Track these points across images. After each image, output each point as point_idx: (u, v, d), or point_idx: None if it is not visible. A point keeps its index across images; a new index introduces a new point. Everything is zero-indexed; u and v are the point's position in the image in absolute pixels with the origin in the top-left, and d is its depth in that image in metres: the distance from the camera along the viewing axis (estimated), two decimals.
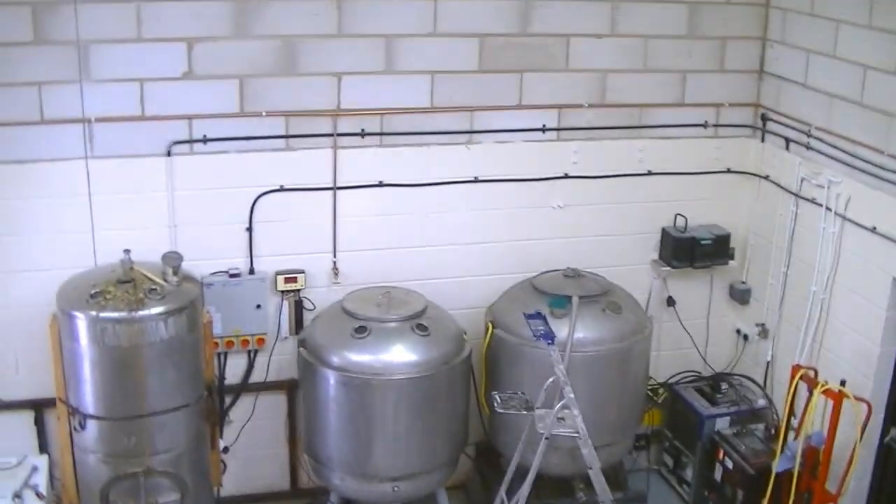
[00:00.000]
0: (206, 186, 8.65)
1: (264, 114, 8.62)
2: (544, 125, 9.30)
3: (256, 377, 9.25)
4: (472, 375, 8.89)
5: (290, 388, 9.29)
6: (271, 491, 9.69)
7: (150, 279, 7.77)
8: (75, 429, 7.88)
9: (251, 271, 8.90)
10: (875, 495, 8.84)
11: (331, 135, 8.80)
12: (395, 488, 8.43)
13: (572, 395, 7.70)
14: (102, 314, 7.48)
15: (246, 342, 9.03)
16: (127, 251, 7.84)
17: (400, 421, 8.20)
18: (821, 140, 8.97)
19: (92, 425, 7.79)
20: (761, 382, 9.91)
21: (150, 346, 7.61)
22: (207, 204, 8.69)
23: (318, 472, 8.80)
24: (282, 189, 8.80)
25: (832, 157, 8.81)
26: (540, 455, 7.80)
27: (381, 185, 9.01)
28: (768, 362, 9.83)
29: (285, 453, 9.59)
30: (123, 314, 7.49)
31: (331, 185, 8.89)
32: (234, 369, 9.19)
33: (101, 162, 8.32)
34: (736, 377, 10.19)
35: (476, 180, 9.23)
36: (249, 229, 8.81)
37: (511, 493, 8.34)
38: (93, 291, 7.59)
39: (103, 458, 7.84)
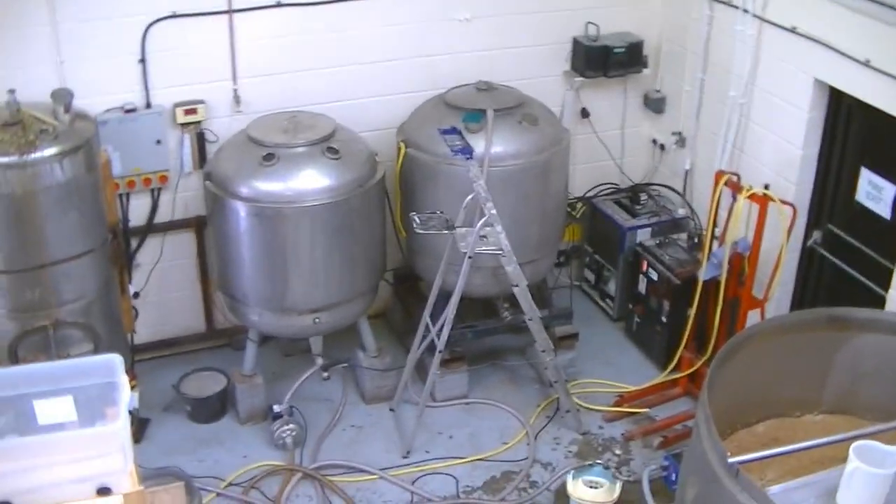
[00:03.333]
0: (93, 17, 8.10)
1: None
2: None
3: (162, 217, 8.90)
4: (388, 198, 8.65)
5: (198, 225, 8.98)
6: (187, 334, 9.47)
7: (39, 120, 7.29)
8: None
9: (147, 105, 8.47)
10: (798, 299, 8.88)
11: None
12: (316, 320, 8.23)
13: (494, 212, 7.56)
14: None
15: (148, 181, 8.65)
16: (11, 91, 7.31)
17: (316, 250, 7.96)
18: None
19: None
20: (680, 191, 9.78)
21: (46, 191, 7.21)
22: (95, 36, 8.16)
23: (234, 311, 8.58)
24: (174, 15, 8.29)
25: None
26: (464, 276, 7.73)
27: (279, 5, 8.54)
28: (687, 171, 9.69)
29: (198, 294, 9.34)
30: (14, 158, 7.05)
31: (226, 9, 8.41)
32: (138, 210, 8.81)
33: None
34: (654, 187, 10.07)
35: None
36: (143, 60, 8.33)
37: (434, 317, 8.25)
38: None
39: (8, 314, 7.50)
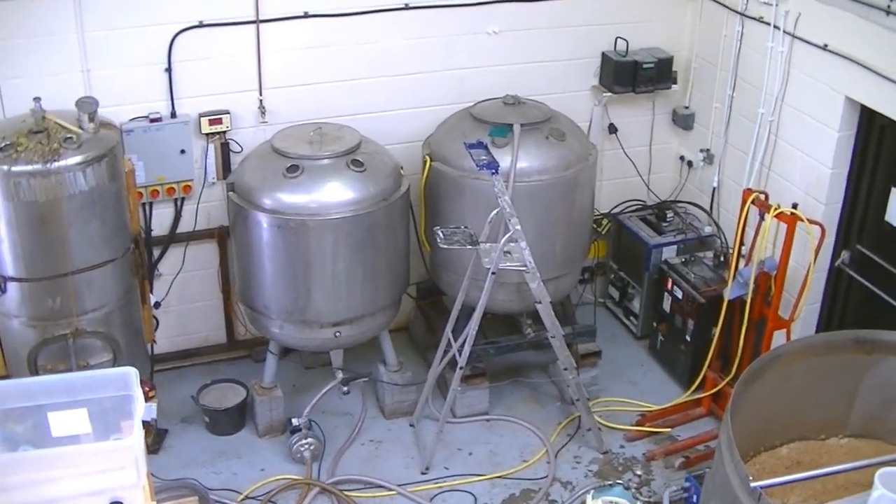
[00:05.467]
0: (120, 25, 8.10)
1: None
2: None
3: (184, 226, 8.88)
4: (412, 212, 8.58)
5: (220, 235, 8.95)
6: (207, 345, 9.45)
7: (64, 128, 7.29)
8: None
9: (173, 115, 8.45)
10: (825, 320, 8.77)
11: None
12: (338, 334, 8.17)
13: (519, 227, 7.50)
14: (15, 168, 7.01)
15: (172, 190, 8.64)
16: (37, 99, 7.30)
17: (339, 263, 7.91)
18: None
19: (13, 288, 7.40)
20: (707, 209, 9.68)
21: (69, 199, 7.18)
22: (122, 45, 8.16)
23: (255, 322, 8.54)
24: (201, 25, 8.28)
25: None
26: (487, 291, 7.67)
27: (306, 16, 8.51)
28: (714, 189, 9.59)
29: (219, 305, 9.31)
30: (38, 166, 7.03)
31: (253, 19, 8.38)
32: (161, 219, 8.80)
33: (1, 3, 7.73)
34: (681, 205, 9.98)
35: (407, 7, 8.73)
36: (169, 70, 8.32)
37: (457, 332, 8.18)
38: (2, 144, 7.09)
39: (28, 322, 7.49)
